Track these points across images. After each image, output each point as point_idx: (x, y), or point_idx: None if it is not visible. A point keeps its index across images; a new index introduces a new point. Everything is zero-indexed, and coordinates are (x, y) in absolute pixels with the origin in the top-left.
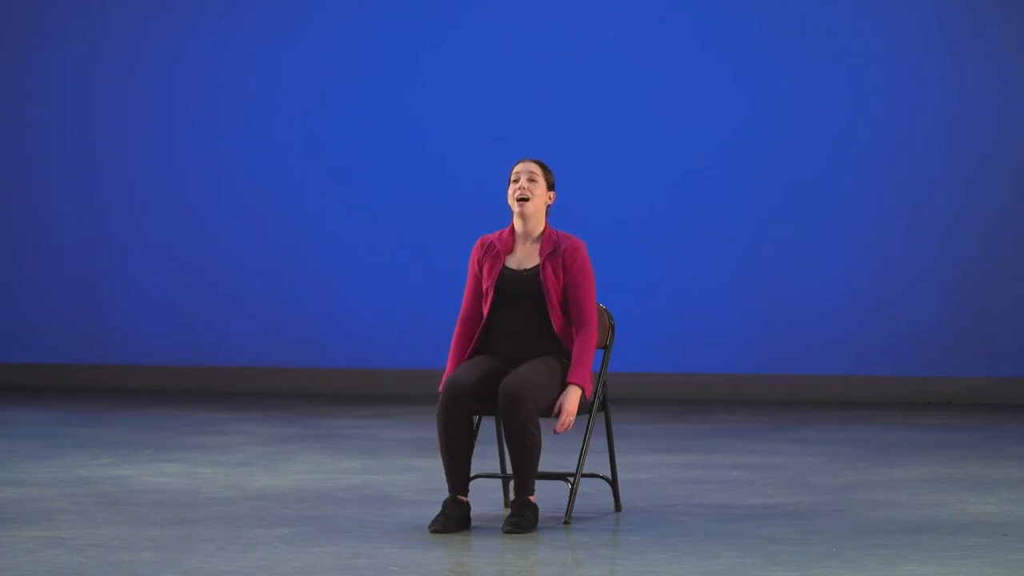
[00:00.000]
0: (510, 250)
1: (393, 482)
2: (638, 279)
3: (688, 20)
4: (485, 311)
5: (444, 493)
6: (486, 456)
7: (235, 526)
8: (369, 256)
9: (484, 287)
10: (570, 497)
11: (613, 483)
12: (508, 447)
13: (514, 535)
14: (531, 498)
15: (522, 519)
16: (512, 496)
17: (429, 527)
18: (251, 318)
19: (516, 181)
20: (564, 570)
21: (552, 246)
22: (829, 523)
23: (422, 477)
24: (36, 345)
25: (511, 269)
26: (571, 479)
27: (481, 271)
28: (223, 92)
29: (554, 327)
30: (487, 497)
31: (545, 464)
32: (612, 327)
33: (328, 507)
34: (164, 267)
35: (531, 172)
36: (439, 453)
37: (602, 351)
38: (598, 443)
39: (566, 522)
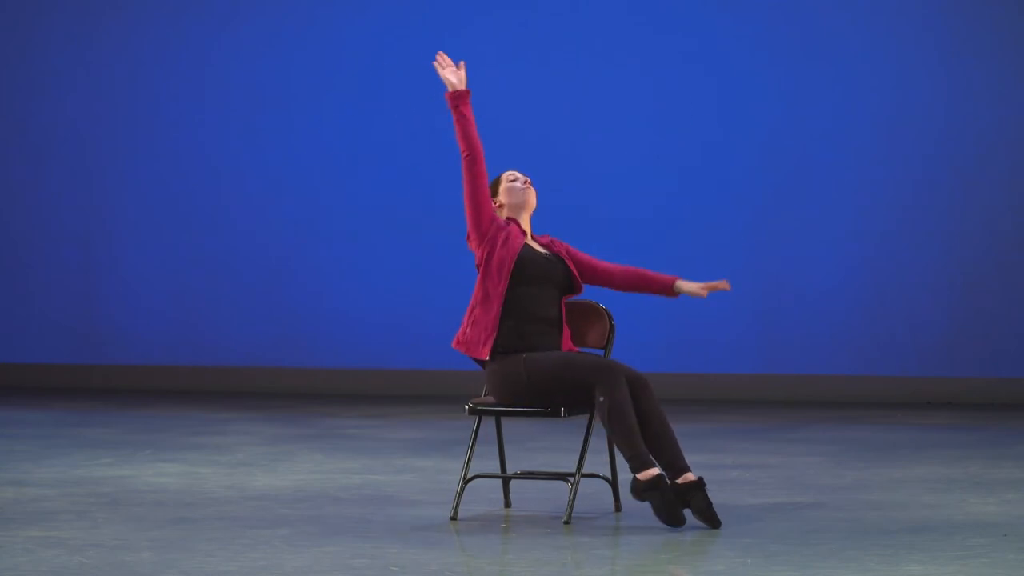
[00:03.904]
0: (524, 235)
1: (393, 482)
2: None
3: (686, 21)
4: (502, 289)
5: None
6: (486, 456)
7: (235, 526)
8: (369, 256)
9: (499, 259)
10: (570, 497)
11: (613, 483)
12: (653, 427)
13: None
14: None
15: (711, 509)
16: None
17: (665, 519)
18: (251, 318)
19: (515, 180)
20: (564, 570)
21: (546, 240)
22: (829, 523)
23: (422, 477)
24: (36, 345)
25: (533, 249)
26: (571, 479)
27: (496, 241)
28: (224, 92)
29: (563, 316)
30: (488, 497)
31: (545, 464)
32: (612, 327)
33: (328, 507)
34: (164, 267)
35: (525, 176)
36: (617, 439)
37: (602, 351)
38: (598, 443)
39: (566, 522)
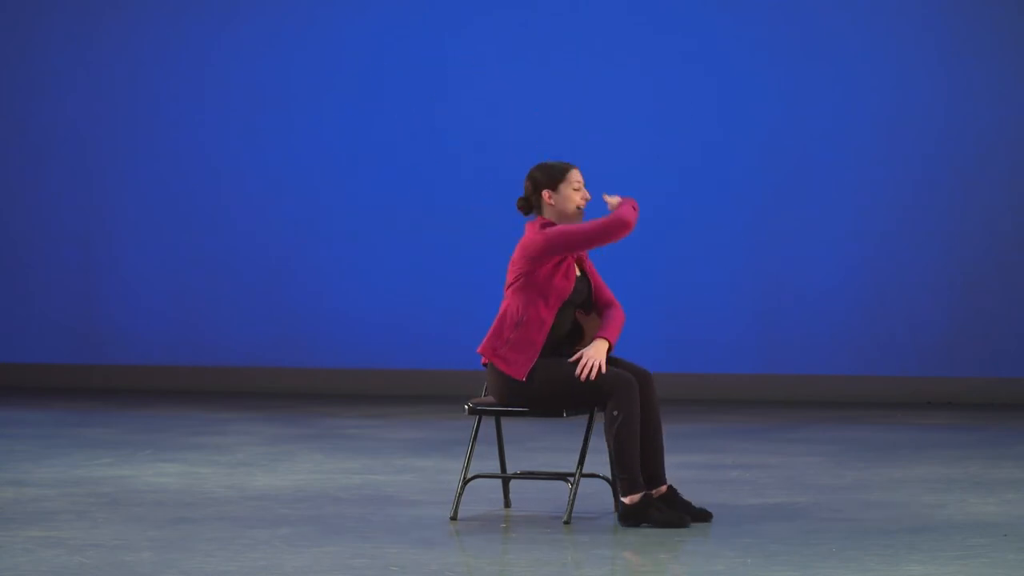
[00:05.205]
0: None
1: (393, 482)
2: (637, 279)
3: (686, 21)
4: (553, 315)
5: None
6: (486, 456)
7: (235, 526)
8: (369, 256)
9: (559, 289)
10: (570, 497)
11: (613, 483)
12: (650, 427)
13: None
14: None
15: (693, 507)
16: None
17: (673, 525)
18: (251, 318)
19: (579, 189)
20: (564, 570)
21: None
22: (829, 523)
23: (422, 477)
24: (36, 345)
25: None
26: (571, 479)
27: (557, 266)
28: (224, 92)
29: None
30: (488, 497)
31: (545, 464)
32: None
33: (328, 507)
34: (164, 267)
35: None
36: (619, 456)
37: None
38: (598, 443)
39: (566, 522)
